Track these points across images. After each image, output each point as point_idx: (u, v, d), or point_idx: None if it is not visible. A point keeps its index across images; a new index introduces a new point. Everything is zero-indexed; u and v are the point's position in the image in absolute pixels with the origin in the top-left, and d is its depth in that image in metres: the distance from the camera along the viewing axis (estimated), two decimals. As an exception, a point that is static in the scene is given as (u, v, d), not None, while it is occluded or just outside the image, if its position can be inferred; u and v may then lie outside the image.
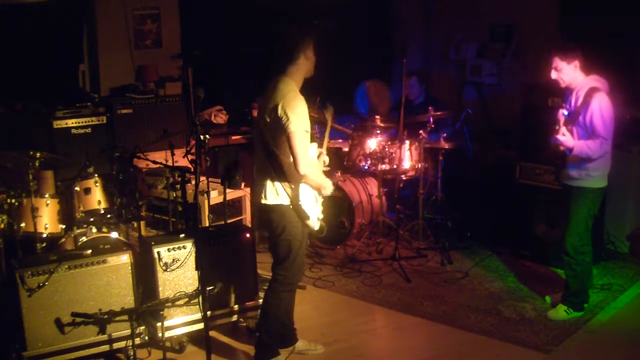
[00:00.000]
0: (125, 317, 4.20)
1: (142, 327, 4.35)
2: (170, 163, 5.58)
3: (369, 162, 6.15)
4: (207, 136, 4.89)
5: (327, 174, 4.40)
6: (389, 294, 5.47)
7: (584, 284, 5.04)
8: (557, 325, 4.90)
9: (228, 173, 6.31)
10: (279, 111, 3.92)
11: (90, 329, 4.24)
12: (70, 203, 5.08)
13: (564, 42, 6.30)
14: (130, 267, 4.37)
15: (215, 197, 6.04)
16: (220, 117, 7.40)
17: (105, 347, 4.29)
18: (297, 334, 4.55)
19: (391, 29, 8.78)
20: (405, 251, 6.21)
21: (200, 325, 4.21)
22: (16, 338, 4.16)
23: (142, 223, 5.80)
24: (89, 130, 6.44)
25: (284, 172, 4.04)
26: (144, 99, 6.86)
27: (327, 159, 4.40)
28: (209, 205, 5.75)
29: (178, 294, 4.40)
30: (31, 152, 4.93)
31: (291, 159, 4.00)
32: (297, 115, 3.91)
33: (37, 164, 4.95)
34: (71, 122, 6.37)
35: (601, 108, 4.58)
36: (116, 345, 4.32)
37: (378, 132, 6.22)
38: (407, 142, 6.09)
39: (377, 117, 6.37)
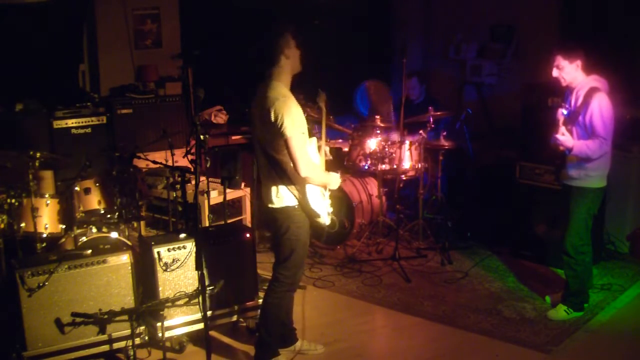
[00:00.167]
0: (125, 317, 4.20)
1: (142, 327, 4.35)
2: (170, 163, 5.58)
3: (369, 162, 6.15)
4: (207, 136, 4.90)
5: (330, 165, 4.36)
6: (389, 294, 5.47)
7: (584, 284, 5.04)
8: (557, 325, 4.90)
9: (228, 173, 6.31)
10: (272, 118, 3.89)
11: (90, 329, 4.24)
12: (70, 203, 5.09)
13: (567, 41, 6.31)
14: (130, 267, 4.37)
15: (215, 197, 6.04)
16: (220, 117, 7.40)
17: (105, 347, 4.29)
18: (297, 334, 4.55)
19: (391, 29, 8.78)
20: (405, 251, 6.21)
21: (200, 325, 4.21)
22: (16, 338, 4.16)
23: (142, 223, 5.80)
24: (89, 130, 6.44)
25: (287, 175, 4.03)
26: (144, 99, 6.86)
27: (327, 149, 4.37)
28: (209, 205, 5.74)
29: (178, 294, 4.40)
30: (31, 152, 4.93)
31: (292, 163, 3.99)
32: (291, 119, 3.88)
33: (37, 164, 4.96)
34: (71, 122, 6.36)
35: (601, 108, 4.58)
36: (116, 345, 4.32)
37: (378, 132, 6.22)
38: (407, 142, 6.09)
39: (377, 117, 6.37)
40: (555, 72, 4.73)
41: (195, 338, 4.61)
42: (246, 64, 4.39)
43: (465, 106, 7.16)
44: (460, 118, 6.48)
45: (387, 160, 6.09)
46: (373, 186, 6.53)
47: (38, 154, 4.95)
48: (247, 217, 6.53)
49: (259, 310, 4.50)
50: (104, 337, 4.27)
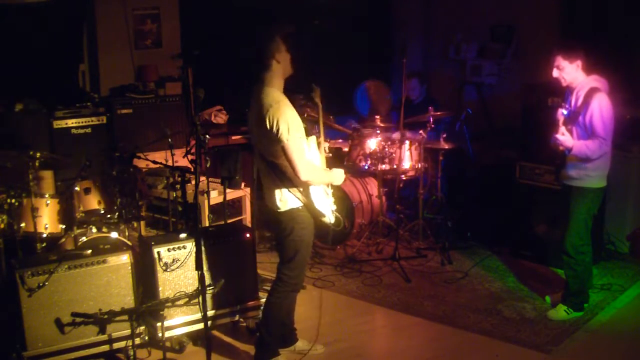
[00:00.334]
0: (125, 317, 4.20)
1: (142, 327, 4.34)
2: (170, 163, 5.58)
3: (369, 162, 6.15)
4: (207, 136, 4.89)
5: (331, 164, 4.35)
6: (389, 294, 5.47)
7: (584, 284, 5.04)
8: (557, 325, 4.90)
9: (228, 173, 6.31)
10: (268, 124, 3.87)
11: (90, 329, 4.24)
12: (70, 203, 5.09)
13: (567, 41, 6.31)
14: (130, 267, 4.37)
15: (215, 197, 6.04)
16: (220, 117, 7.40)
17: (105, 347, 4.29)
18: (297, 334, 4.55)
19: (391, 29, 8.78)
20: (405, 251, 6.21)
21: (200, 325, 4.21)
22: (16, 338, 4.15)
23: (142, 223, 5.80)
24: (89, 130, 6.44)
25: (288, 178, 4.03)
26: (144, 99, 6.86)
27: (326, 145, 4.36)
28: (209, 205, 5.75)
29: (178, 294, 4.40)
30: (31, 152, 4.93)
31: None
32: (286, 124, 3.86)
33: (37, 164, 4.96)
34: (71, 122, 6.37)
35: (601, 108, 4.58)
36: (116, 345, 4.32)
37: (378, 132, 6.22)
38: (407, 142, 6.09)
39: (377, 117, 6.37)
40: (555, 73, 4.73)
41: (195, 338, 4.61)
42: (246, 64, 4.38)
43: (465, 106, 7.16)
44: (460, 118, 6.48)
45: (387, 160, 6.09)
46: (373, 186, 6.53)
47: (38, 154, 4.95)
48: (247, 217, 6.53)
49: (260, 310, 4.50)
50: (104, 337, 4.27)
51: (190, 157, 4.66)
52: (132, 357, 4.15)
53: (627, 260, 6.03)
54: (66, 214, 5.08)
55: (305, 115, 5.94)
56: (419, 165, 6.15)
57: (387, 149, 6.07)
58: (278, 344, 4.40)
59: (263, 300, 4.46)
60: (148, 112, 6.77)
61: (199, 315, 4.42)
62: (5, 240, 4.90)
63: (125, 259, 4.37)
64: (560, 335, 4.76)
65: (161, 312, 4.37)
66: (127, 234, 5.26)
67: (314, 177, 4.05)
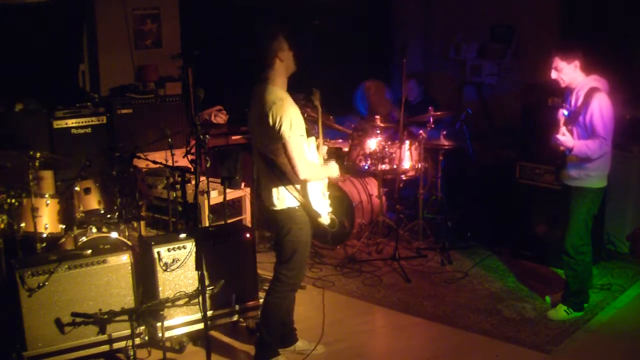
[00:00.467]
0: (125, 317, 4.19)
1: (142, 327, 4.34)
2: (170, 163, 5.58)
3: (369, 162, 6.15)
4: (207, 136, 4.90)
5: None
6: (389, 294, 5.47)
7: (584, 284, 5.04)
8: (557, 325, 4.90)
9: (228, 173, 6.31)
10: (270, 121, 3.88)
11: (90, 329, 4.24)
12: (70, 203, 5.09)
13: (565, 42, 6.30)
14: (130, 267, 4.37)
15: (215, 197, 6.04)
16: (220, 117, 7.40)
17: (105, 347, 4.29)
18: (297, 334, 4.55)
19: (391, 29, 8.78)
20: (405, 251, 6.21)
21: (200, 325, 4.21)
22: (16, 338, 4.15)
23: (142, 223, 5.81)
24: (89, 130, 6.44)
25: (287, 177, 4.03)
26: (144, 99, 6.86)
27: (325, 149, 4.37)
28: (209, 205, 5.75)
29: (178, 294, 4.40)
30: (31, 152, 4.93)
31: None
32: (288, 121, 3.87)
33: (37, 164, 4.96)
34: (71, 122, 6.37)
35: (601, 108, 4.58)
36: (116, 345, 4.32)
37: (378, 132, 6.22)
38: (407, 142, 6.10)
39: (377, 117, 6.37)
40: (554, 74, 4.73)
41: (195, 338, 4.61)
42: (246, 64, 4.38)
43: (465, 106, 7.16)
44: (460, 118, 6.48)
45: (387, 160, 6.09)
46: (373, 186, 6.53)
47: (38, 154, 4.95)
48: (247, 217, 6.53)
49: (260, 310, 4.50)
50: (104, 337, 4.27)
51: (190, 157, 4.67)
52: (132, 357, 4.15)
53: (627, 260, 6.03)
54: (66, 214, 5.08)
55: (305, 115, 5.94)
56: (419, 165, 6.15)
57: (387, 149, 6.08)
58: (278, 344, 4.40)
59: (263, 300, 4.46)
60: (148, 112, 6.78)
61: (199, 315, 4.42)
62: (5, 240, 4.90)
63: (125, 259, 4.37)
64: (560, 335, 4.76)
65: (161, 312, 4.37)
66: (127, 234, 5.26)
67: (313, 174, 4.05)
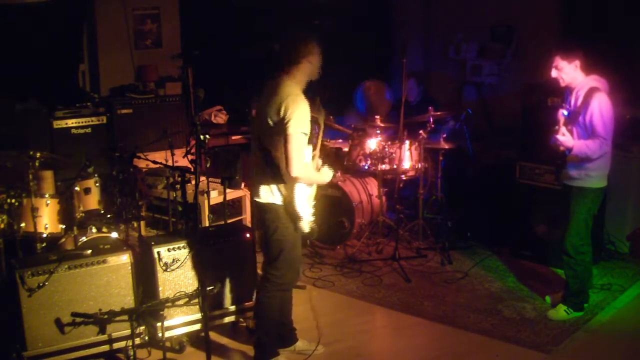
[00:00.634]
0: (125, 317, 4.19)
1: (142, 327, 4.34)
2: (170, 163, 5.58)
3: (369, 162, 6.15)
4: (207, 136, 4.89)
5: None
6: (389, 294, 5.47)
7: (584, 284, 5.04)
8: (557, 325, 4.90)
9: (228, 173, 6.31)
10: (281, 113, 3.90)
11: (90, 329, 4.24)
12: (70, 203, 5.09)
13: (566, 41, 6.31)
14: (130, 267, 4.37)
15: (215, 197, 6.04)
16: (220, 117, 7.40)
17: (105, 347, 4.29)
18: (297, 334, 4.55)
19: (391, 29, 8.78)
20: (405, 251, 6.21)
21: (200, 325, 4.21)
22: (16, 338, 4.16)
23: (142, 223, 5.80)
24: (89, 130, 6.44)
25: (280, 173, 4.03)
26: (144, 99, 6.86)
27: (320, 162, 4.37)
28: (209, 205, 5.75)
29: (178, 294, 4.40)
30: (31, 152, 4.93)
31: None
32: (298, 117, 3.88)
33: (37, 164, 4.95)
34: (71, 122, 6.36)
35: (601, 108, 4.58)
36: (116, 345, 4.32)
37: (378, 132, 6.22)
38: (407, 142, 6.09)
39: (377, 117, 6.37)
40: (554, 73, 4.73)
41: (195, 338, 4.61)
42: (246, 64, 4.39)
43: (465, 106, 7.16)
44: (460, 118, 6.48)
45: (387, 160, 6.09)
46: (373, 186, 6.53)
47: (38, 154, 4.94)
48: (247, 217, 6.52)
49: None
50: (104, 337, 4.27)
51: (190, 157, 4.67)
52: (132, 357, 4.15)
53: (627, 260, 6.03)
54: (66, 214, 5.08)
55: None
56: (419, 165, 6.15)
57: (387, 149, 6.08)
58: (277, 344, 4.39)
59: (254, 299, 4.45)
60: (148, 112, 6.77)
61: (198, 316, 4.42)
62: (5, 240, 4.89)
63: (125, 259, 4.37)
64: (560, 335, 4.76)
65: (161, 312, 4.37)
66: (127, 234, 5.26)
67: (305, 175, 4.03)
